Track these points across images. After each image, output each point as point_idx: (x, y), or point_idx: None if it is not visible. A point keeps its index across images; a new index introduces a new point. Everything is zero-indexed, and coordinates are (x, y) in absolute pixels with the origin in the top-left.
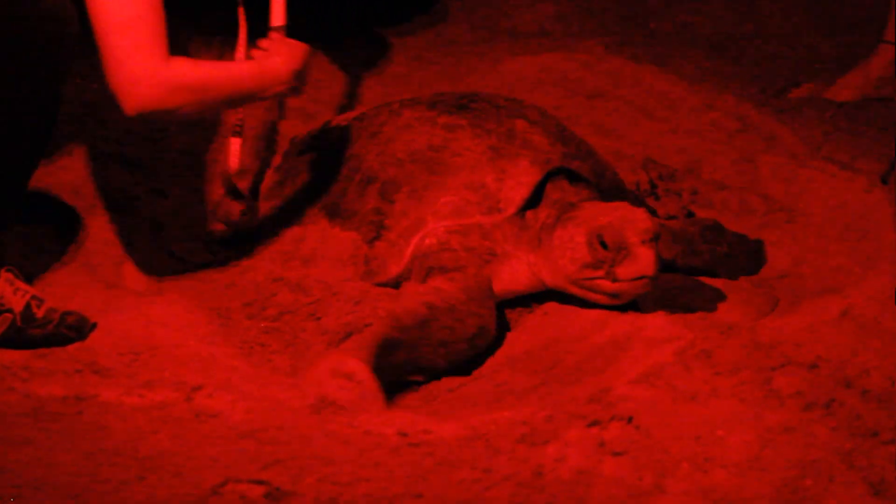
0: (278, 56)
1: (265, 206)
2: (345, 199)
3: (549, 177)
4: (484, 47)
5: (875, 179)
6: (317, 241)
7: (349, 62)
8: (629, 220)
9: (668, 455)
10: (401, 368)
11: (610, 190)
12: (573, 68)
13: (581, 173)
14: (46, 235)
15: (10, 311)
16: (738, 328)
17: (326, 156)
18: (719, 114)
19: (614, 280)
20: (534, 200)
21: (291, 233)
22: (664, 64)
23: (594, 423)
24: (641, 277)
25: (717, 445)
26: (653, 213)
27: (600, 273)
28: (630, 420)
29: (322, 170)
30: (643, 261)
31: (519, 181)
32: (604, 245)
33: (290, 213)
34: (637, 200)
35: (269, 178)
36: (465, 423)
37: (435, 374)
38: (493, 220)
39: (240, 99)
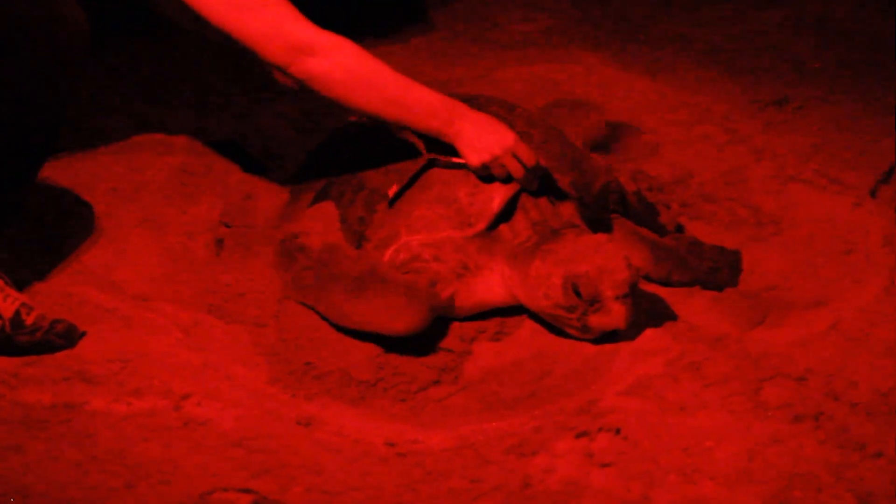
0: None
1: (283, 207)
2: (341, 202)
3: (524, 189)
4: (474, 58)
5: (864, 193)
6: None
7: None
8: (607, 271)
9: (657, 466)
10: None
11: (596, 203)
12: (564, 79)
13: (559, 187)
14: (39, 239)
15: None
16: (727, 340)
17: (341, 155)
18: (709, 126)
19: (584, 327)
20: (508, 213)
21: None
22: (655, 75)
23: (582, 434)
24: (613, 331)
25: (705, 457)
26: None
27: (573, 316)
28: (618, 431)
29: (335, 169)
30: (616, 317)
31: (490, 196)
32: (578, 294)
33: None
34: (628, 212)
35: (294, 178)
36: (454, 433)
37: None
38: (464, 235)
39: (402, 122)
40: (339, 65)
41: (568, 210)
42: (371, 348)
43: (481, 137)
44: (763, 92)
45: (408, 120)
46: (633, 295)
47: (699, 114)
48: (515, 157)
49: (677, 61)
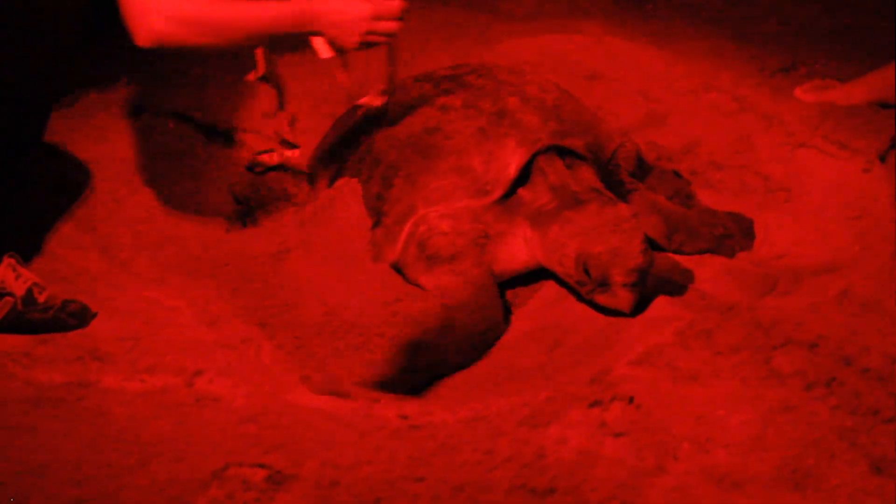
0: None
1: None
2: (360, 178)
3: (540, 153)
4: (480, 29)
5: (873, 158)
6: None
7: None
8: (620, 255)
9: (670, 435)
10: (425, 369)
11: (608, 166)
12: (571, 49)
13: (575, 150)
14: (49, 221)
15: (11, 294)
16: (738, 308)
17: (355, 133)
18: (717, 94)
19: (592, 300)
20: (525, 178)
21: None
22: (662, 44)
23: (595, 404)
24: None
25: (718, 425)
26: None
27: (582, 289)
28: (631, 400)
29: (350, 147)
30: (621, 302)
31: (505, 163)
32: (588, 273)
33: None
34: (643, 177)
35: (313, 155)
36: (467, 406)
37: (455, 369)
38: (481, 203)
39: (268, 37)
40: (177, 14)
41: (586, 173)
42: (381, 322)
43: (344, 21)
44: (770, 59)
45: (266, 26)
46: (643, 282)
47: (707, 82)
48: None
49: (684, 30)
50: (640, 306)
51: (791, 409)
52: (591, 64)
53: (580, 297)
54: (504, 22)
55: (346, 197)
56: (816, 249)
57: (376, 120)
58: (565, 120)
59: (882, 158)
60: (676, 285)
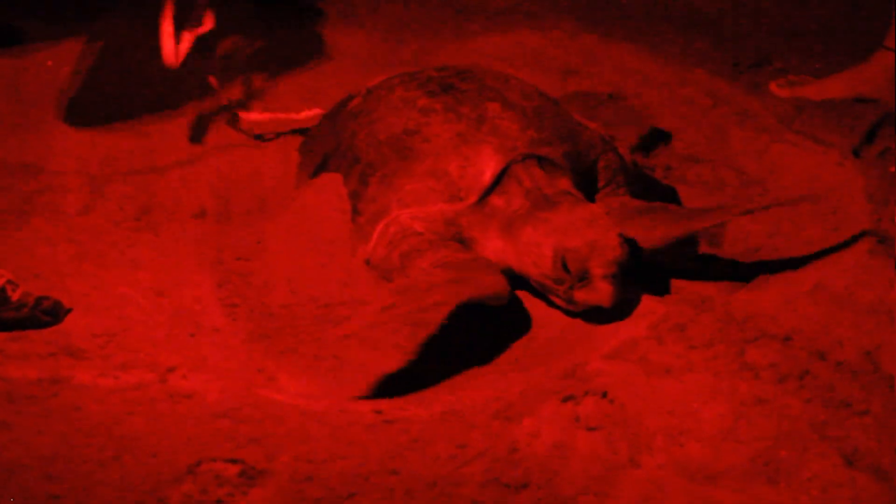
0: None
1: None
2: (340, 173)
3: (516, 162)
4: (455, 25)
5: (847, 152)
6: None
7: (306, 41)
8: (598, 248)
9: (643, 429)
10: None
11: (590, 175)
12: (546, 45)
13: (551, 159)
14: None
15: None
16: (712, 301)
17: (340, 129)
18: (692, 89)
19: (570, 301)
20: (500, 186)
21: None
22: (637, 40)
23: (569, 398)
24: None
25: (691, 418)
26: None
27: (559, 288)
28: (604, 394)
29: (334, 143)
30: (602, 295)
31: (481, 169)
32: (566, 268)
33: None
34: (624, 184)
35: (301, 148)
36: (440, 400)
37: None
38: (455, 208)
39: None
40: None
41: (562, 181)
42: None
43: None
44: (744, 54)
45: None
46: (622, 274)
47: (681, 77)
48: None
49: (658, 26)
50: (619, 303)
51: (764, 403)
52: (566, 60)
53: (552, 304)
54: (478, 18)
55: (326, 192)
56: (790, 243)
57: (359, 117)
58: (545, 128)
59: (856, 153)
60: (650, 279)
